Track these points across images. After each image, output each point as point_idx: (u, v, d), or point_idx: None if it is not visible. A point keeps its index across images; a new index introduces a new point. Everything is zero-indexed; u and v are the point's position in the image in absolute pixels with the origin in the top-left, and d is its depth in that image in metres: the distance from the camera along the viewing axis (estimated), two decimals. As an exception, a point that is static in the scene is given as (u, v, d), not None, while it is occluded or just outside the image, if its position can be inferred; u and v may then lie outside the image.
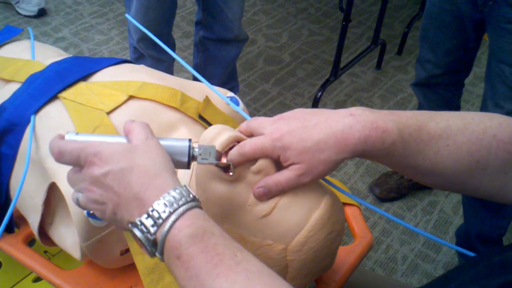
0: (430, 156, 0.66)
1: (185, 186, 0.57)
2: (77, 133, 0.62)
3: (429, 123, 0.66)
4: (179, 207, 0.55)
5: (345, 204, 1.00)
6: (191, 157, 0.65)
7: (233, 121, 0.97)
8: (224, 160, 0.69)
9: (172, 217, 0.54)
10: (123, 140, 0.61)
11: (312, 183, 0.69)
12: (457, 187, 0.69)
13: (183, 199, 0.55)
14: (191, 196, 0.57)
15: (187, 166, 0.65)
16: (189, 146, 0.65)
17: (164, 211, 0.54)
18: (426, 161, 0.66)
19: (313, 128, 0.65)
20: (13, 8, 2.87)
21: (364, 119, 0.64)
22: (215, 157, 0.66)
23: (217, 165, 0.68)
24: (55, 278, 0.87)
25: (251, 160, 0.68)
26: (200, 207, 0.57)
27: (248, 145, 0.67)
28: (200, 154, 0.65)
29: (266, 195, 0.68)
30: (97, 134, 0.63)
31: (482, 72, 2.66)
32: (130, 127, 0.62)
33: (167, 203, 0.55)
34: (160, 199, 0.55)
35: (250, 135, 0.71)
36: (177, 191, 0.56)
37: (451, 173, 0.67)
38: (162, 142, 0.64)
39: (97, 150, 0.58)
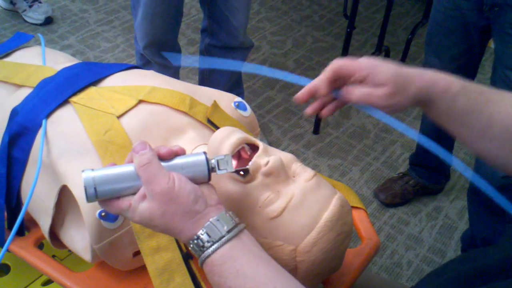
0: (483, 118, 0.70)
1: (199, 235, 0.62)
2: (92, 169, 0.64)
3: (488, 90, 0.72)
4: (200, 255, 0.62)
5: (352, 207, 1.01)
6: (210, 169, 0.66)
7: (241, 125, 0.99)
8: (234, 162, 0.71)
9: (200, 262, 0.63)
10: (132, 168, 0.64)
11: (396, 108, 0.72)
12: (503, 160, 0.72)
13: (198, 252, 0.62)
14: (207, 244, 0.61)
15: (208, 179, 0.66)
16: (207, 160, 0.65)
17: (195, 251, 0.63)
18: (479, 123, 0.70)
19: (405, 68, 0.72)
20: (20, 16, 2.90)
21: (436, 73, 0.72)
22: (232, 165, 0.67)
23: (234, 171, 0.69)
24: (66, 280, 0.88)
25: (350, 74, 0.72)
26: (219, 248, 0.61)
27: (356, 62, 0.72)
28: (217, 165, 0.66)
29: (359, 100, 0.72)
30: (112, 167, 0.65)
31: (486, 79, 2.67)
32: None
33: (195, 247, 0.62)
34: (190, 245, 0.63)
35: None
36: (193, 243, 0.62)
37: (500, 141, 0.70)
38: (179, 161, 0.65)
39: (131, 216, 0.65)
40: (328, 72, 0.73)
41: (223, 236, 0.61)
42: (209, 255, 0.61)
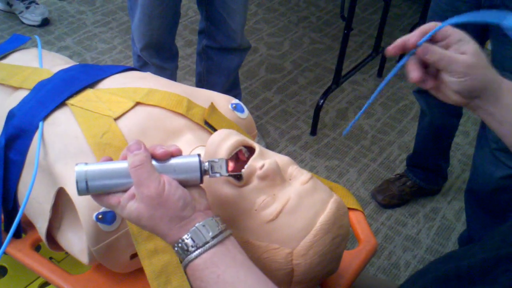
0: None
1: (184, 239, 0.63)
2: (86, 163, 0.64)
3: None
4: (184, 258, 0.63)
5: (349, 209, 1.01)
6: (203, 172, 0.66)
7: (238, 127, 0.98)
8: (230, 164, 0.71)
9: (183, 265, 0.64)
10: (125, 166, 0.64)
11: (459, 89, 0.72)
12: None
13: (182, 256, 0.63)
14: (191, 248, 0.62)
15: (200, 181, 0.66)
16: (200, 163, 0.66)
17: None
18: None
19: None
20: (17, 18, 2.89)
21: None
22: (226, 169, 0.67)
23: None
24: (63, 282, 0.88)
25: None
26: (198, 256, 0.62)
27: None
28: (211, 168, 0.66)
29: (439, 60, 0.72)
30: (106, 162, 0.66)
31: (483, 80, 2.67)
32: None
33: (179, 251, 0.63)
34: (175, 248, 0.64)
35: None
36: (178, 246, 0.63)
37: None
38: (172, 162, 0.65)
39: (119, 213, 0.65)
40: (423, 26, 0.75)
41: (207, 242, 0.62)
42: (192, 260, 0.62)
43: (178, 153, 0.67)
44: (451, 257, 0.62)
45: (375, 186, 2.11)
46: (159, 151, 0.65)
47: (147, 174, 0.62)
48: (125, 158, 0.65)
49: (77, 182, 0.63)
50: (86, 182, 0.63)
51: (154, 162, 0.64)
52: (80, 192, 0.64)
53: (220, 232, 0.63)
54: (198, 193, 0.66)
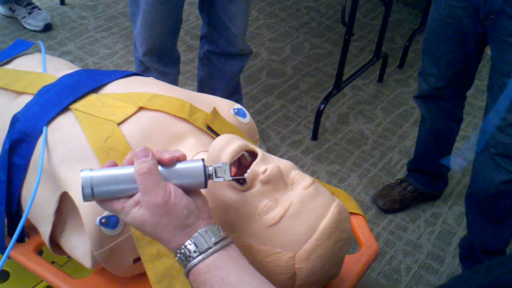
0: None
1: (186, 245, 0.64)
2: (91, 169, 0.65)
3: None
4: (186, 264, 0.64)
5: (351, 213, 1.02)
6: (207, 177, 0.67)
7: (240, 132, 0.99)
8: (232, 168, 0.72)
9: (185, 271, 0.64)
10: (130, 171, 0.64)
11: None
12: None
13: (184, 262, 0.64)
14: (193, 254, 0.63)
15: (205, 186, 0.67)
16: (204, 168, 0.66)
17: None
18: None
19: None
20: (19, 23, 2.90)
21: None
22: (230, 173, 0.68)
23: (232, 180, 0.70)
24: (66, 286, 0.88)
25: None
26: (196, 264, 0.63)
27: None
28: (215, 173, 0.67)
29: None
30: (111, 168, 0.66)
31: (483, 85, 2.68)
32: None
33: (182, 257, 0.64)
34: (177, 254, 0.65)
35: None
36: (180, 252, 0.64)
37: None
38: (177, 166, 0.66)
39: (123, 218, 0.66)
40: None
41: (210, 248, 0.63)
42: (195, 265, 0.62)
43: (183, 159, 0.67)
44: (478, 270, 0.60)
45: (376, 191, 2.12)
46: (165, 156, 0.65)
47: (154, 182, 0.63)
48: (130, 162, 0.66)
49: (82, 188, 0.64)
50: (92, 188, 0.64)
51: (159, 167, 0.65)
52: (86, 198, 0.65)
53: (223, 238, 0.64)
54: (201, 201, 0.67)
